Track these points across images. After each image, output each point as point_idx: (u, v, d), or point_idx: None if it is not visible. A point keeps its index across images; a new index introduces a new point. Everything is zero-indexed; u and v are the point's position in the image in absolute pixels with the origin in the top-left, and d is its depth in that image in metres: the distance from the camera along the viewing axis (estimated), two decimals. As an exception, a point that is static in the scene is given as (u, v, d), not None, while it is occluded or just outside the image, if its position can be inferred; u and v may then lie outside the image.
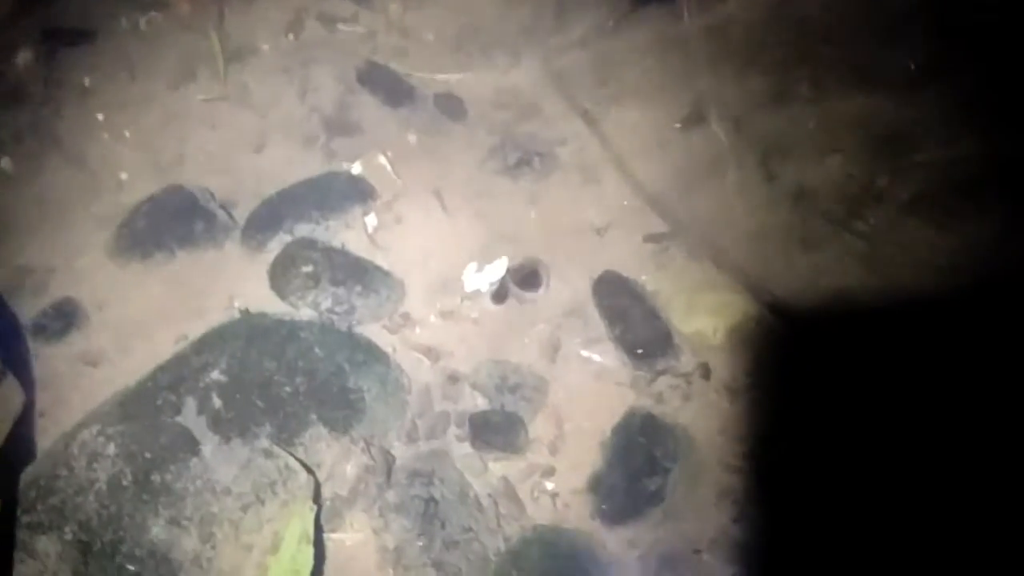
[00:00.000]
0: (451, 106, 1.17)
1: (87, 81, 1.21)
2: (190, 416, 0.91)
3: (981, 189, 0.96)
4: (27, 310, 1.05)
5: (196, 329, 1.01)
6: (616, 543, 0.87)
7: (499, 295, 0.92)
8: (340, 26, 1.24)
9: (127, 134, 1.19)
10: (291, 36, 1.23)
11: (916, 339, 0.91)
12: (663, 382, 0.94)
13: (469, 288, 0.94)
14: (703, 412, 0.92)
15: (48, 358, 1.02)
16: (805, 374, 0.93)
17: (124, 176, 1.16)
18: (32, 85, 1.22)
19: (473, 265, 0.92)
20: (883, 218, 0.98)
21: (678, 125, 1.09)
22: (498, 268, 0.92)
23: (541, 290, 0.92)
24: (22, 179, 1.15)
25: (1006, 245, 0.92)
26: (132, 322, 1.04)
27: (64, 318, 1.04)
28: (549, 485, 0.91)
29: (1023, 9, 1.03)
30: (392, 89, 1.18)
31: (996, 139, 0.98)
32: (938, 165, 0.99)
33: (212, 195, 1.11)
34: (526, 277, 0.92)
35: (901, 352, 0.91)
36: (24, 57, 1.24)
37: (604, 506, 0.89)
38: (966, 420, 0.87)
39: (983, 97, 1.00)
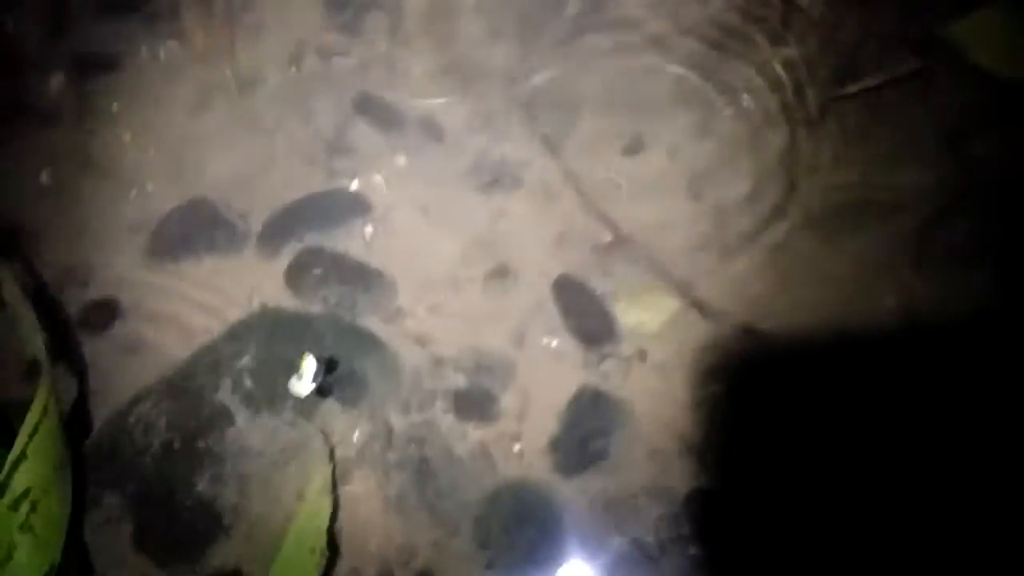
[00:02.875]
0: (434, 131, 1.36)
1: (115, 106, 1.39)
2: (226, 394, 1.12)
3: (857, 211, 1.21)
4: (73, 305, 1.24)
5: (221, 322, 1.21)
6: (570, 491, 1.10)
7: (323, 390, 1.09)
8: (336, 59, 1.43)
9: (152, 152, 1.37)
10: (294, 68, 1.42)
11: (808, 331, 1.15)
12: (608, 364, 1.17)
13: (298, 393, 1.07)
14: (640, 387, 1.15)
15: (94, 347, 1.21)
16: (721, 358, 1.17)
17: (151, 188, 1.34)
18: (65, 108, 1.39)
19: (293, 378, 1.08)
20: (782, 233, 1.22)
21: (622, 152, 1.31)
22: (310, 367, 1.06)
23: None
24: (62, 191, 1.32)
25: (876, 257, 1.18)
26: (166, 316, 1.23)
27: (107, 312, 1.23)
28: (517, 446, 1.14)
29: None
30: (383, 116, 1.37)
31: (870, 170, 1.23)
32: (826, 189, 1.23)
33: (230, 206, 1.31)
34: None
35: (798, 341, 1.16)
36: (56, 81, 1.41)
37: (560, 462, 1.12)
38: (853, 405, 1.12)
39: (863, 136, 1.25)
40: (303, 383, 1.06)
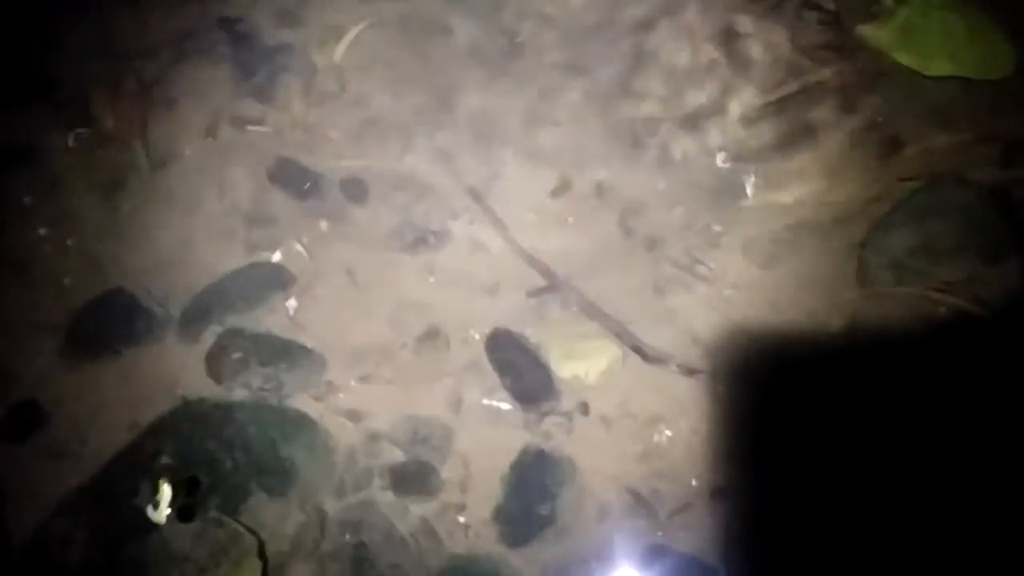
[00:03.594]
0: (355, 191, 1.32)
1: (27, 200, 1.35)
2: (146, 497, 1.06)
3: (794, 232, 1.15)
4: (-8, 413, 1.19)
5: (146, 416, 1.15)
6: (519, 561, 1.03)
7: (184, 514, 1.03)
8: (250, 127, 1.39)
9: (68, 243, 1.32)
10: (209, 140, 1.38)
11: (756, 366, 1.09)
12: (549, 421, 1.11)
13: (158, 521, 1.03)
14: (584, 442, 1.09)
15: (17, 455, 1.16)
16: (667, 403, 1.10)
17: (67, 282, 1.29)
18: (-25, 208, 1.35)
19: (149, 507, 1.03)
20: (720, 261, 1.16)
21: (550, 193, 1.26)
22: (166, 495, 1.02)
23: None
24: (-25, 296, 1.28)
25: (816, 279, 1.12)
26: (88, 416, 1.17)
27: (27, 417, 1.18)
28: (461, 519, 1.07)
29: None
30: (301, 181, 1.33)
31: (807, 188, 1.17)
32: (761, 211, 1.17)
33: (150, 292, 1.25)
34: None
35: (745, 378, 1.09)
36: (-35, 181, 1.37)
37: (507, 532, 1.05)
38: (797, 426, 1.05)
39: (797, 152, 1.20)
40: (159, 511, 1.02)
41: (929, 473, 0.98)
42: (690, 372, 1.10)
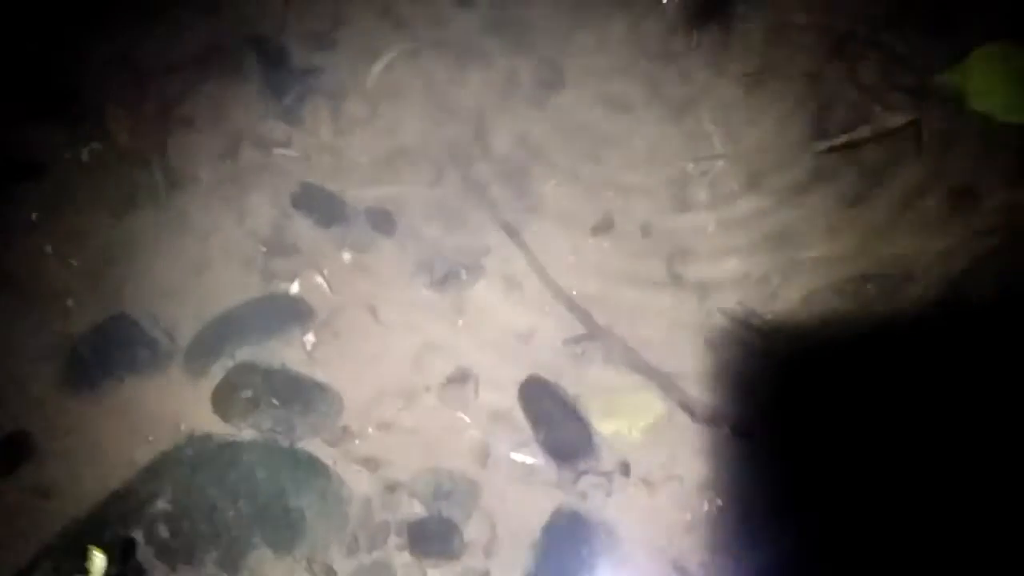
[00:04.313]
0: (382, 221, 1.24)
1: (34, 216, 1.27)
2: (139, 546, 0.95)
3: (857, 285, 1.06)
4: (-21, 444, 1.09)
5: (145, 455, 1.05)
6: (550, 641, 0.93)
7: None
8: (276, 150, 1.31)
9: (74, 263, 1.24)
10: (229, 162, 1.30)
11: (817, 432, 0.99)
12: (586, 481, 1.01)
13: None
14: (624, 506, 0.99)
15: (1, 492, 1.06)
16: (719, 467, 1.00)
17: (71, 303, 1.21)
18: (-20, 222, 1.27)
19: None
20: (778, 315, 1.07)
21: (591, 232, 1.18)
22: (99, 566, 0.94)
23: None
24: (-28, 314, 1.20)
25: (883, 337, 1.02)
26: (82, 451, 1.08)
27: (15, 451, 1.08)
28: (485, 587, 0.97)
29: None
30: (326, 208, 1.25)
31: (872, 238, 1.08)
32: (824, 262, 1.08)
33: (156, 320, 1.17)
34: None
35: (805, 443, 0.99)
36: (-29, 193, 1.29)
37: (537, 605, 0.95)
38: (869, 500, 0.95)
39: (859, 200, 1.11)
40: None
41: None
42: (744, 434, 1.00)
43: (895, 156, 1.12)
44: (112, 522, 0.96)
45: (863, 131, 1.12)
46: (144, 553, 0.95)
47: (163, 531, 0.96)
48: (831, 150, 1.14)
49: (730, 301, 1.09)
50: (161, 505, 0.97)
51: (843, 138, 1.12)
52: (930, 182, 1.10)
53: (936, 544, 0.91)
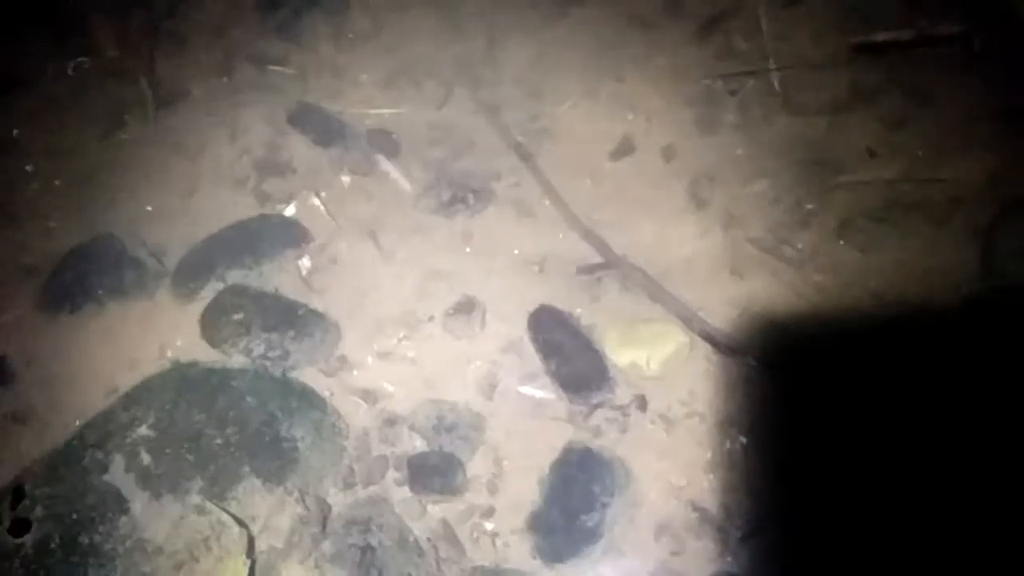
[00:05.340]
0: (384, 143, 1.16)
1: (15, 132, 1.19)
2: (118, 474, 0.89)
3: (903, 212, 0.98)
4: (-47, 368, 1.03)
5: (128, 381, 0.99)
6: (556, 581, 0.86)
7: (18, 529, 0.85)
8: (271, 67, 1.23)
9: (57, 183, 1.17)
10: (222, 79, 1.22)
11: (847, 360, 0.91)
12: (600, 415, 0.94)
13: None
14: (640, 444, 0.92)
15: (-25, 418, 1.00)
16: (740, 401, 0.93)
17: (53, 225, 1.13)
18: (-41, 138, 1.20)
19: None
20: (810, 243, 0.99)
21: (610, 156, 1.09)
22: None
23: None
24: (-52, 233, 1.13)
25: (929, 266, 0.94)
26: (62, 377, 1.02)
27: (-8, 375, 1.02)
28: (488, 525, 0.90)
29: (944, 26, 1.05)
30: (324, 128, 1.17)
31: (916, 162, 0.99)
32: (863, 188, 1.00)
33: (143, 242, 1.09)
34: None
35: (834, 374, 0.91)
36: (-50, 108, 1.22)
37: (544, 545, 0.88)
38: (902, 439, 0.87)
39: (902, 119, 1.02)
40: None
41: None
42: (770, 368, 0.92)
43: (943, 73, 1.03)
44: (89, 447, 0.90)
45: (906, 33, 1.02)
46: (124, 480, 0.88)
47: (145, 457, 0.89)
48: (870, 49, 1.03)
49: (758, 229, 1.01)
50: (143, 431, 0.91)
51: (883, 35, 1.02)
52: (981, 101, 1.01)
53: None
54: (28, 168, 1.18)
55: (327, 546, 0.87)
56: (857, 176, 1.00)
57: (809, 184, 1.02)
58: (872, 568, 0.82)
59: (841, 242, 0.98)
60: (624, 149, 1.09)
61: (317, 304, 1.03)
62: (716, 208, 1.03)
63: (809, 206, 1.01)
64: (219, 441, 0.91)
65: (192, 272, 1.05)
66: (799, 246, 0.99)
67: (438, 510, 0.91)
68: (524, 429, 0.94)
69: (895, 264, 0.95)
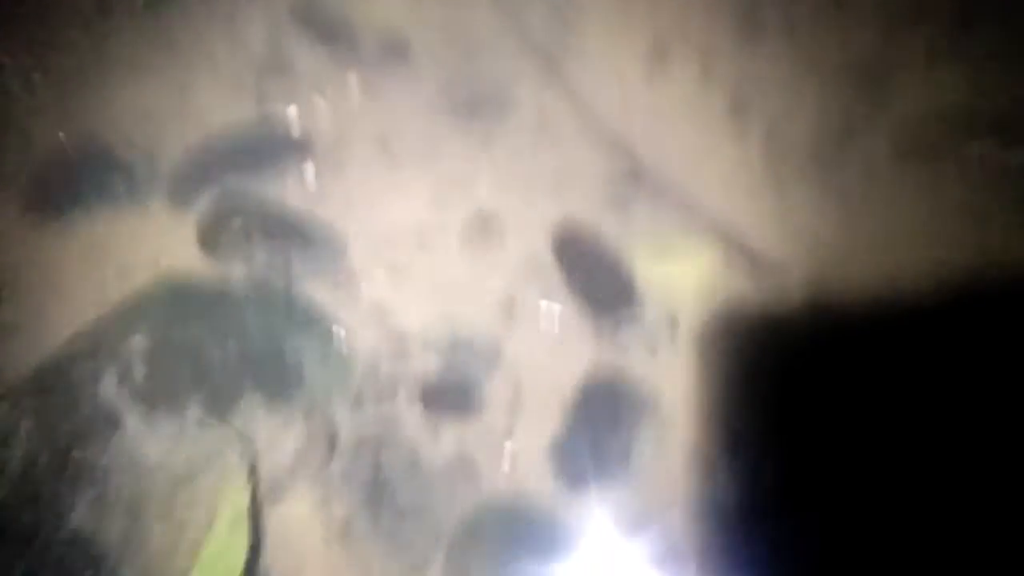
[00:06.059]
0: (395, 43, 1.07)
1: (-11, 21, 1.10)
2: (111, 388, 0.83)
3: (965, 142, 0.90)
4: (-67, 279, 0.96)
5: (119, 292, 0.93)
6: (579, 510, 0.82)
7: None
8: (272, -44, 1.13)
9: (36, 79, 1.08)
10: (217, -32, 1.12)
11: (896, 292, 0.85)
12: (627, 334, 0.88)
13: None
14: (670, 366, 0.86)
15: (-43, 329, 0.93)
16: (778, 324, 0.87)
17: (32, 126, 1.05)
18: (-73, 26, 1.10)
19: None
20: (859, 166, 0.91)
21: (643, 63, 1.01)
22: None
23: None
24: (-80, 131, 1.04)
25: (990, 213, 0.87)
26: (49, 287, 0.95)
27: (-27, 284, 0.95)
28: (507, 449, 0.85)
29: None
30: (330, 26, 1.08)
31: (985, 83, 0.91)
32: (919, 96, 0.92)
33: (133, 144, 1.01)
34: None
35: (882, 304, 0.85)
36: (-83, -5, 1.11)
37: (566, 470, 0.83)
38: (942, 394, 0.82)
39: (971, 36, 0.94)
40: None
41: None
42: (812, 290, 0.86)
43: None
44: (80, 358, 0.84)
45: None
46: (118, 394, 0.82)
47: (140, 371, 0.83)
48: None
49: (803, 140, 0.93)
50: (137, 342, 0.84)
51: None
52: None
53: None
54: (5, 61, 1.08)
55: (335, 466, 0.82)
56: (914, 83, 0.92)
57: (860, 92, 0.94)
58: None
59: (893, 156, 0.90)
60: (657, 54, 1.01)
61: (322, 213, 0.96)
62: (757, 120, 0.96)
63: (860, 114, 0.93)
64: (218, 355, 0.85)
65: (187, 178, 0.98)
66: (847, 168, 0.91)
67: (452, 432, 0.86)
68: (546, 349, 0.89)
69: (949, 187, 0.88)
